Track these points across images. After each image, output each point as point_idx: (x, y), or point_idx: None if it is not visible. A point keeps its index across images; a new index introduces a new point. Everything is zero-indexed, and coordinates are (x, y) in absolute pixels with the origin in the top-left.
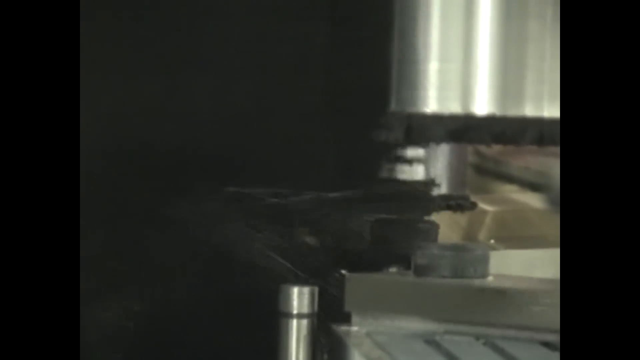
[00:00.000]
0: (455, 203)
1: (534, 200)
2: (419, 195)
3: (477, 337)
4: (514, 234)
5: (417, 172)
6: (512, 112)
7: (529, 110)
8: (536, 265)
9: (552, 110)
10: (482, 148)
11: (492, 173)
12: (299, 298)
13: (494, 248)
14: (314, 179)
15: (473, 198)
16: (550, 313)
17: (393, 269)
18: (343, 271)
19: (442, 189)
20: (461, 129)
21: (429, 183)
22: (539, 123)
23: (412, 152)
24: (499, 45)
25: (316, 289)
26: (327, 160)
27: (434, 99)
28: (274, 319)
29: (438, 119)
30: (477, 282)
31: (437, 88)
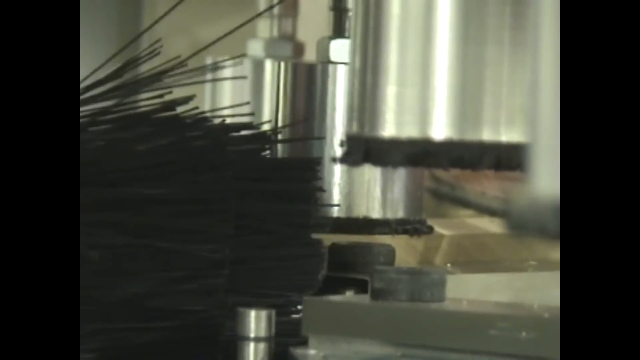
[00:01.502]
0: (412, 227)
1: (490, 225)
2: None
3: None
4: (471, 258)
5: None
6: (470, 136)
7: (487, 135)
8: (493, 289)
9: (509, 135)
10: (439, 172)
11: (448, 197)
12: (256, 321)
13: (450, 272)
14: None
15: (429, 222)
16: (506, 337)
17: (350, 293)
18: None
19: (399, 213)
20: (419, 154)
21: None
22: (496, 148)
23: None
24: (456, 69)
25: (273, 312)
26: None
27: (392, 123)
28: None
29: (396, 143)
30: (434, 305)
31: (395, 112)
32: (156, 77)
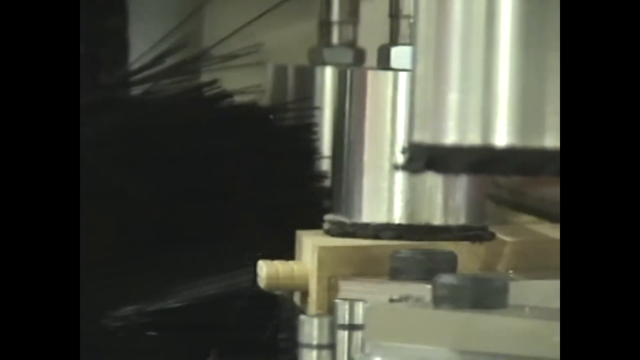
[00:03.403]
0: (474, 234)
1: (552, 232)
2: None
3: None
4: (533, 265)
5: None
6: (532, 143)
7: (549, 142)
8: (555, 296)
9: None
10: (500, 179)
11: (508, 203)
12: (319, 328)
13: (513, 279)
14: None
15: (491, 229)
16: None
17: (412, 300)
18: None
19: (461, 220)
20: (481, 161)
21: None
22: (558, 154)
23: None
24: (518, 76)
25: (336, 319)
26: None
27: (454, 130)
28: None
29: (458, 151)
30: (497, 312)
31: (457, 119)
32: (186, 64)
